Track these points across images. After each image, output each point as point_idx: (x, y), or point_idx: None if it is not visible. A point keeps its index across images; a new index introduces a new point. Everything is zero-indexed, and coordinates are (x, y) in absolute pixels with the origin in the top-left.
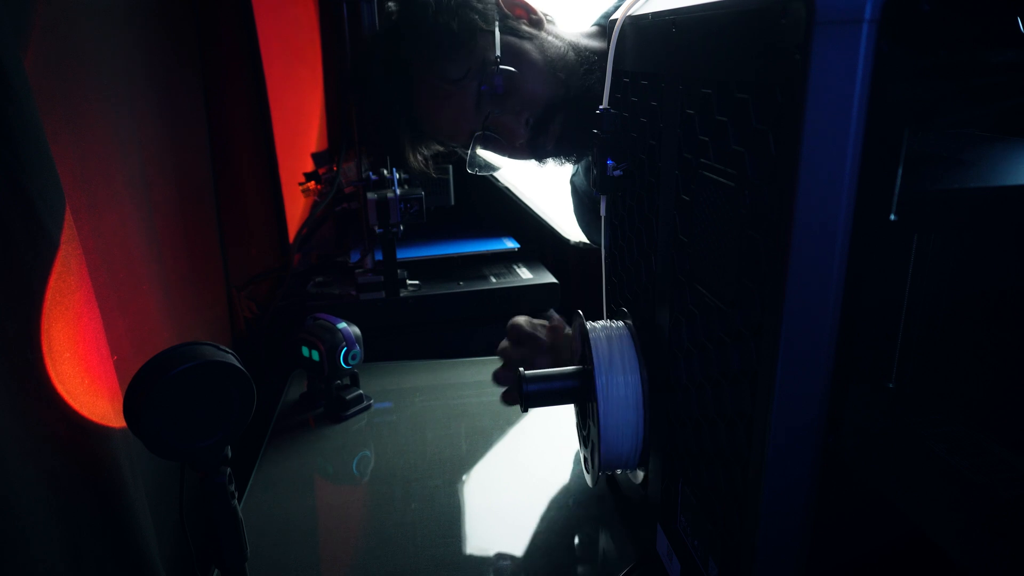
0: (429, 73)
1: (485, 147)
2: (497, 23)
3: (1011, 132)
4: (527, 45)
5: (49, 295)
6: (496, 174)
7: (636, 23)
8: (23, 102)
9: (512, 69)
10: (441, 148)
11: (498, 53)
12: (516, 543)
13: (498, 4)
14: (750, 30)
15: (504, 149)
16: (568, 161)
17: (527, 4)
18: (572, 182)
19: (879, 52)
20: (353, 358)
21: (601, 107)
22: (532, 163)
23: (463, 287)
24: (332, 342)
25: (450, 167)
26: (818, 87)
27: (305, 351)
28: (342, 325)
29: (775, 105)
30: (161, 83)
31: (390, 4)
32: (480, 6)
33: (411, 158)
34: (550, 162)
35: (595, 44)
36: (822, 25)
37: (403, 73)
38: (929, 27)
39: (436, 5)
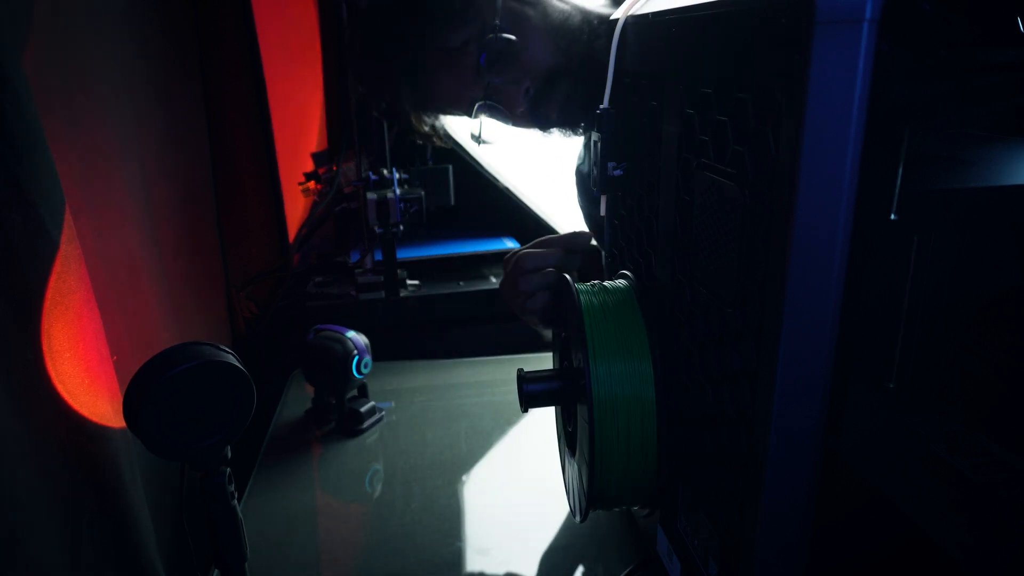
0: (430, 42)
1: (489, 116)
2: None
3: (1011, 132)
4: (529, 11)
5: (49, 295)
6: (496, 174)
7: (637, 23)
8: (23, 102)
9: (511, 37)
10: (444, 115)
11: (497, 20)
12: (516, 543)
13: None
14: (750, 30)
15: (507, 118)
16: (574, 133)
17: None
18: (578, 170)
19: (879, 52)
20: (365, 367)
21: (601, 107)
22: (536, 133)
23: (463, 287)
24: (344, 352)
25: (450, 167)
26: (818, 87)
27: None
28: (350, 334)
29: (775, 105)
30: (161, 83)
31: None
32: None
33: (416, 124)
34: (555, 132)
35: (604, 11)
36: (822, 25)
37: (404, 42)
38: (929, 27)
39: None
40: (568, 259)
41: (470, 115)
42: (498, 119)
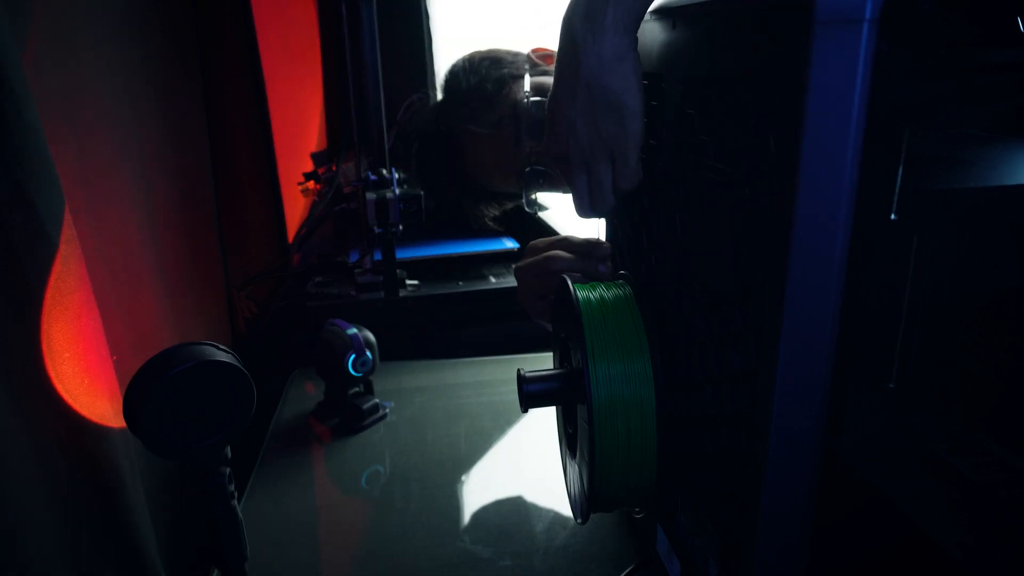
0: (472, 127)
1: (540, 186)
2: (528, 69)
3: (1011, 132)
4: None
5: (49, 295)
6: None
7: None
8: (23, 102)
9: (542, 99)
10: (504, 205)
11: (527, 89)
12: (516, 543)
13: (529, 56)
14: (750, 30)
15: (556, 183)
16: None
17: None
18: None
19: (879, 52)
20: (362, 365)
21: None
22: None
23: (462, 287)
24: (340, 348)
25: None
26: (818, 87)
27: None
28: (351, 331)
29: (775, 105)
30: (161, 83)
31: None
32: (510, 58)
33: (471, 212)
34: None
35: None
36: (822, 25)
37: (451, 136)
38: (929, 27)
39: (468, 68)
40: (593, 267)
41: (520, 190)
42: (547, 187)
